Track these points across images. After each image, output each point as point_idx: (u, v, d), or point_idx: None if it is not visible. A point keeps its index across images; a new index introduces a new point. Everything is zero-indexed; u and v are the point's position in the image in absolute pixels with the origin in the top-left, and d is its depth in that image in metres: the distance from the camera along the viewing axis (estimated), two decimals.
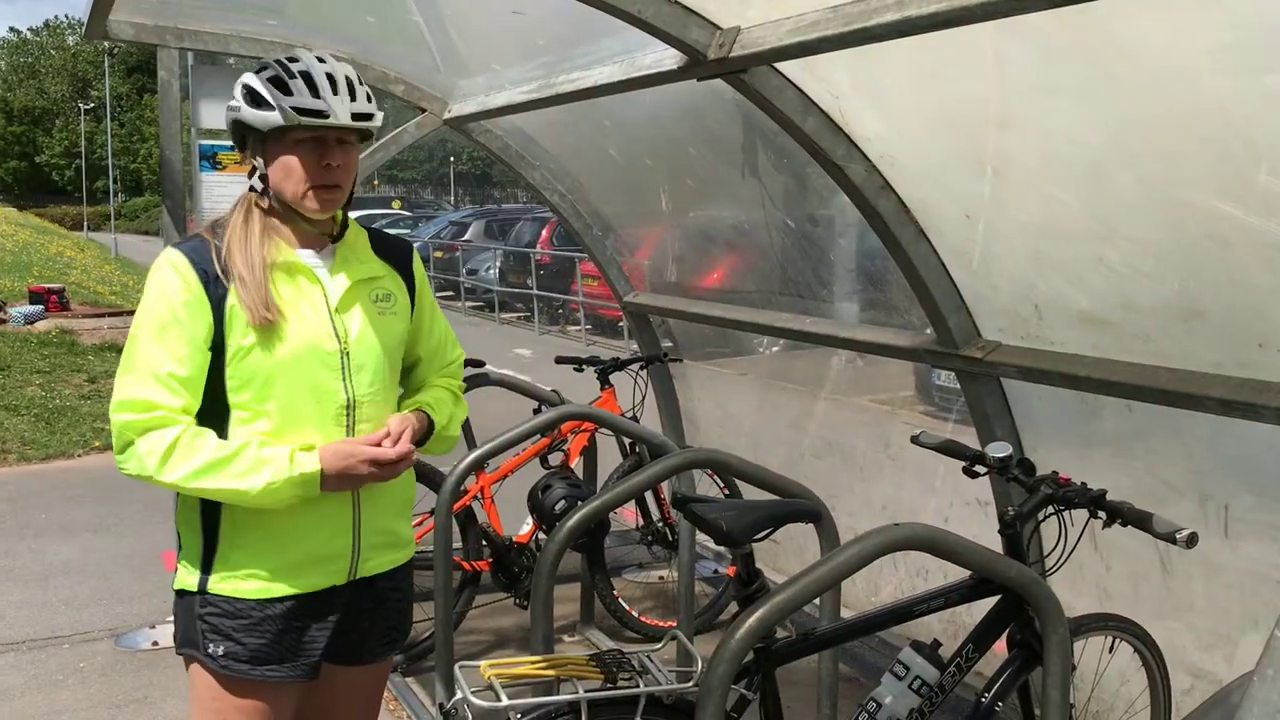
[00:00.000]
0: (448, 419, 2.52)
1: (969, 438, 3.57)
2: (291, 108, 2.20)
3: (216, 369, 2.23)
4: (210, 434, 2.21)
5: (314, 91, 2.21)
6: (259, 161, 2.29)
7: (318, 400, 2.28)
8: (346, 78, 2.26)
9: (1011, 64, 2.73)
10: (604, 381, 5.22)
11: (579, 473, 4.98)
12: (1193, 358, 2.88)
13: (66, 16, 77.58)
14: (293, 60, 2.26)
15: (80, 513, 7.29)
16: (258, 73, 2.28)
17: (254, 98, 2.24)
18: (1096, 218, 2.90)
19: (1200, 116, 2.44)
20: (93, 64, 69.41)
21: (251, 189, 2.32)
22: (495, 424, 4.34)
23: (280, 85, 2.22)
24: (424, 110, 5.10)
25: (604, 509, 3.18)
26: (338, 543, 2.33)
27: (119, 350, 13.78)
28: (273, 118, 2.21)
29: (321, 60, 2.27)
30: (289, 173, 2.25)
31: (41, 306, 15.59)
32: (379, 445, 2.29)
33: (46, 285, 16.85)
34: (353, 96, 2.25)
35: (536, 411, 4.67)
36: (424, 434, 2.45)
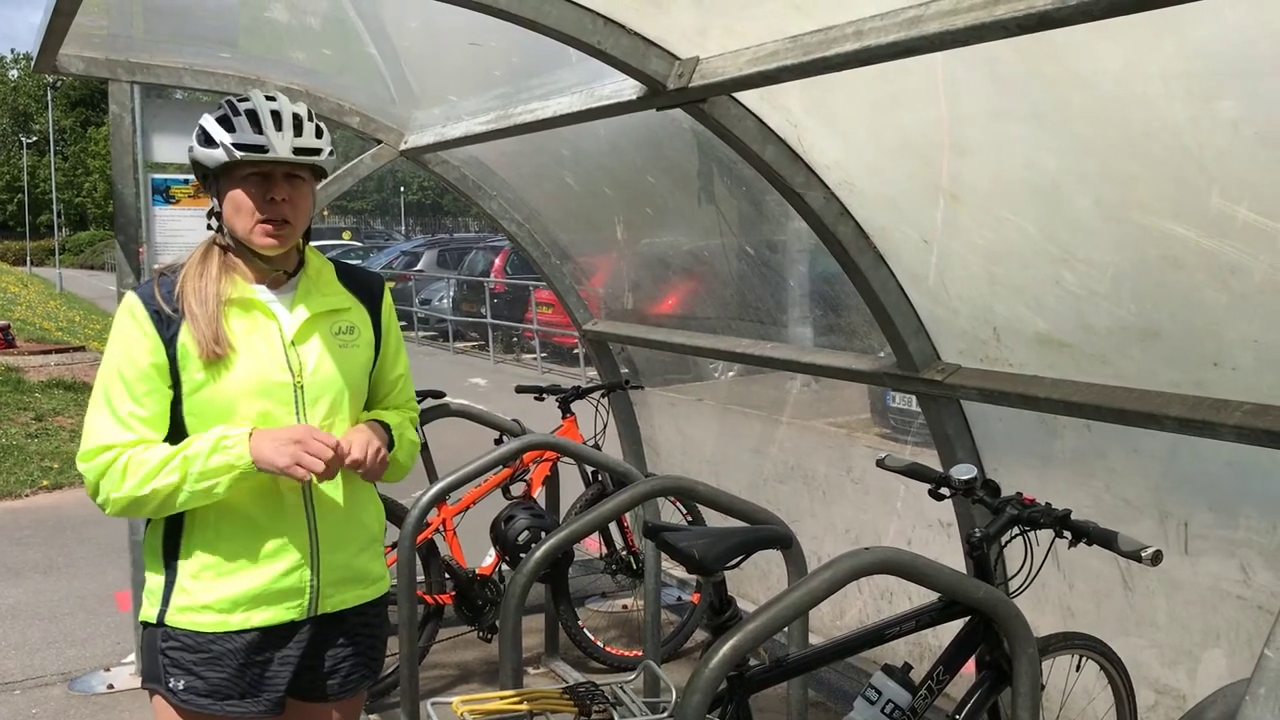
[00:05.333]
0: (399, 422, 2.50)
1: (927, 459, 3.59)
2: (233, 144, 2.23)
3: (175, 405, 2.27)
4: (159, 445, 2.24)
5: (256, 128, 2.24)
6: (214, 200, 2.32)
7: None
8: (294, 114, 2.28)
9: (967, 90, 2.77)
10: (565, 410, 5.21)
11: (541, 502, 4.96)
12: (1150, 377, 2.93)
13: (13, 51, 76.57)
14: (243, 100, 2.29)
15: (29, 554, 7.13)
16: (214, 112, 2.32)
17: (204, 136, 2.28)
18: (1053, 241, 2.94)
19: (1154, 141, 2.48)
20: (35, 98, 68.44)
21: (208, 226, 2.37)
22: (456, 455, 4.32)
23: (225, 123, 2.26)
24: (380, 141, 5.08)
25: (571, 539, 3.17)
26: (294, 578, 2.33)
27: (67, 387, 13.55)
28: (218, 155, 2.25)
29: (271, 98, 2.29)
30: (237, 209, 2.28)
31: None
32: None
33: None
34: (298, 132, 2.26)
35: (498, 442, 4.64)
36: (388, 441, 2.43)
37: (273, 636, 2.33)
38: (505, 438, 4.69)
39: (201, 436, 2.22)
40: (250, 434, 2.21)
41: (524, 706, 2.48)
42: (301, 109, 2.31)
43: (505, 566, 4.76)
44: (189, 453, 2.20)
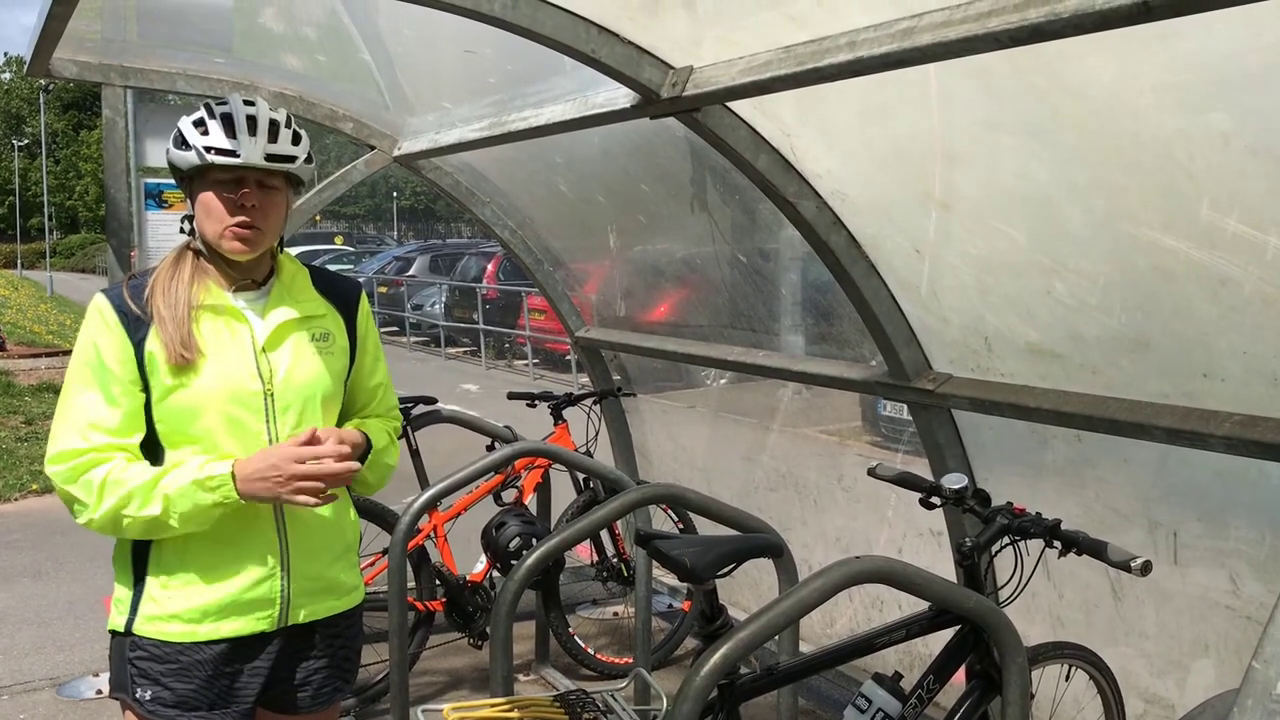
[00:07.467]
0: (384, 445, 2.47)
1: (918, 467, 3.60)
2: (204, 147, 2.22)
3: (146, 409, 2.24)
4: (141, 464, 2.21)
5: (230, 132, 2.23)
6: (188, 203, 2.32)
7: (241, 441, 2.26)
8: (271, 120, 2.26)
9: (960, 101, 2.78)
10: (557, 417, 5.21)
11: (532, 509, 4.95)
12: (1140, 388, 2.94)
13: (5, 54, 76.41)
14: (220, 103, 2.28)
15: (18, 558, 7.11)
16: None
17: (179, 138, 2.27)
18: (1044, 251, 2.95)
19: (1145, 152, 2.50)
20: (27, 100, 68.29)
21: (181, 230, 2.35)
22: (447, 461, 4.32)
23: (200, 126, 2.25)
24: (373, 148, 5.08)
25: (563, 546, 3.17)
26: (263, 588, 2.30)
27: (57, 391, 13.49)
28: (189, 157, 2.24)
29: (250, 103, 2.28)
30: (208, 212, 2.26)
31: None
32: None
33: None
34: (272, 138, 2.25)
35: (490, 448, 4.64)
36: (362, 451, 2.38)
37: (242, 647, 2.30)
38: (497, 444, 4.70)
39: (181, 469, 2.18)
40: (233, 471, 2.17)
41: (514, 714, 2.48)
42: (280, 115, 2.29)
43: (496, 573, 4.76)
44: (170, 490, 2.16)
